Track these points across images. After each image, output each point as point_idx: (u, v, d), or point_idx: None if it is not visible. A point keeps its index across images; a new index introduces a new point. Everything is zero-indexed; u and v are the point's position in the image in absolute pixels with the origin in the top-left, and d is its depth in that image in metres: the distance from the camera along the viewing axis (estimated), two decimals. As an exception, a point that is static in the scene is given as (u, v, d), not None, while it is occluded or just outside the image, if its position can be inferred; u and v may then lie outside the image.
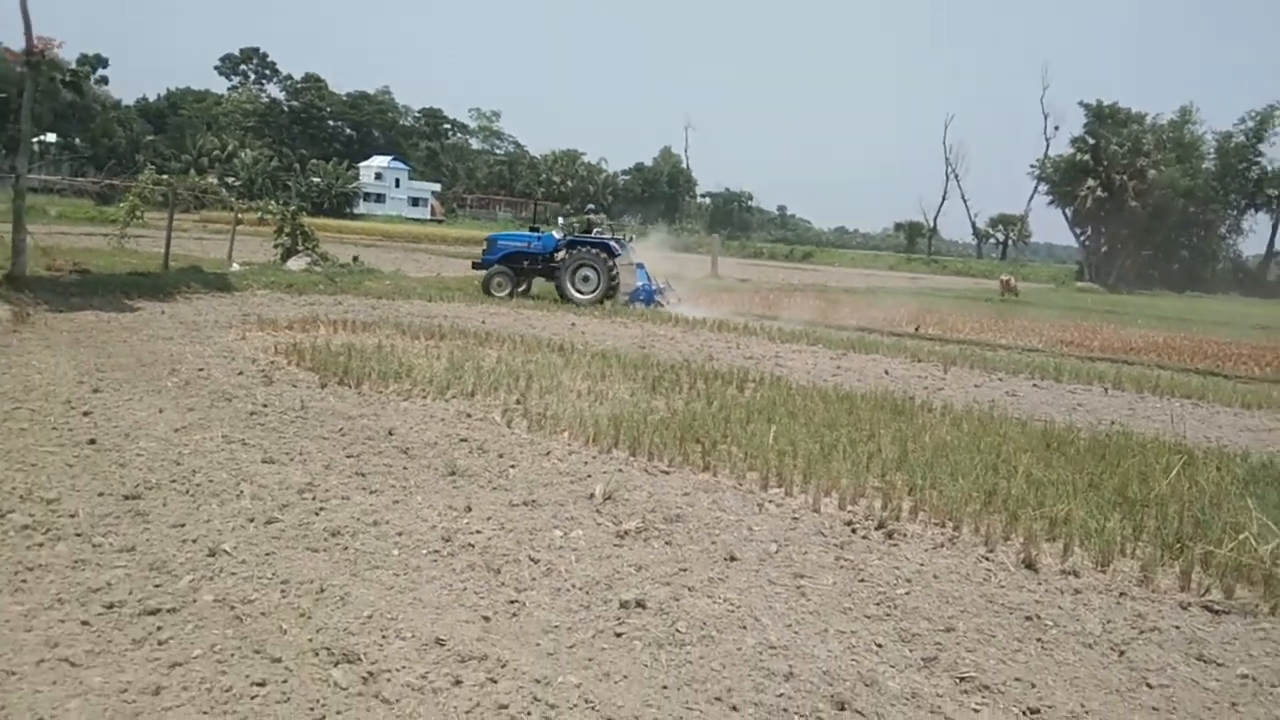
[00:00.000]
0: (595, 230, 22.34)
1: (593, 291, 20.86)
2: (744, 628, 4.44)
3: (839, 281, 43.39)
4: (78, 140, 78.77)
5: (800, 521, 6.11)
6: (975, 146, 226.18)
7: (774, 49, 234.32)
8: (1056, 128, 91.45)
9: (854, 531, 5.98)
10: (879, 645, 4.38)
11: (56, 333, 11.65)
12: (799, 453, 7.46)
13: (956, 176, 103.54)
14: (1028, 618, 4.87)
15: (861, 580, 5.17)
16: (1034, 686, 4.12)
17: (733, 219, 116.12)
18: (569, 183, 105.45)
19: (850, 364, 14.33)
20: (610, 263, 21.11)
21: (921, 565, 5.49)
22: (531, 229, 23.43)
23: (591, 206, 25.48)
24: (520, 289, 21.52)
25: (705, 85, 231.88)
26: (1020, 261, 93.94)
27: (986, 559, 5.71)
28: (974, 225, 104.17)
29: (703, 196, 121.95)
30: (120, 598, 4.25)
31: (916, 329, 20.86)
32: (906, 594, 5.04)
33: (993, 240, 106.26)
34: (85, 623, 4.00)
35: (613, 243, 21.60)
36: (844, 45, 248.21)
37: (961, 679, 4.13)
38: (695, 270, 41.49)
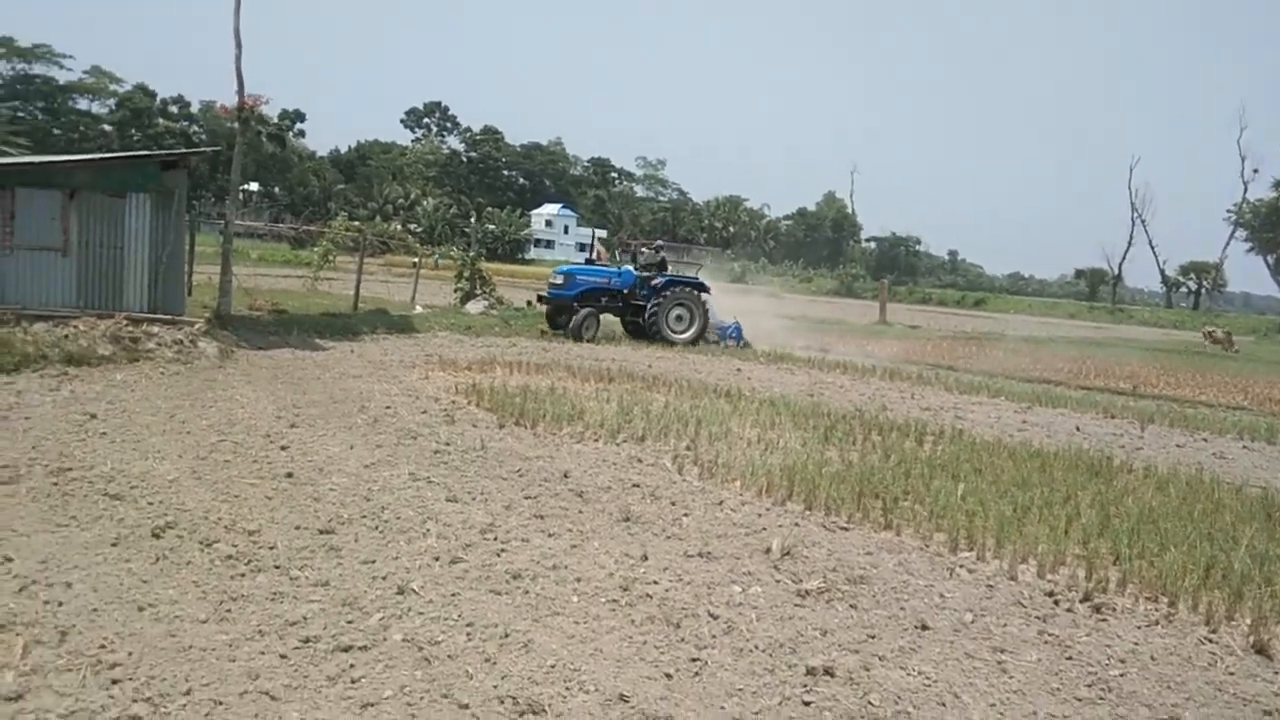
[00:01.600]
0: (671, 267, 21.42)
1: (685, 331, 20.24)
2: (943, 704, 4.13)
3: (1016, 330, 41.49)
4: (277, 189, 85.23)
5: (996, 590, 5.71)
6: (1164, 190, 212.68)
7: (945, 90, 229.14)
8: (1255, 170, 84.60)
9: (1056, 603, 5.54)
10: (1096, 734, 3.99)
11: (257, 369, 12.44)
12: (989, 514, 7.03)
13: (1143, 221, 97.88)
14: (1266, 713, 4.35)
15: (1069, 658, 4.76)
16: (1282, 795, 3.65)
17: (899, 264, 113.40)
18: (730, 228, 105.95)
19: (1037, 418, 13.54)
20: (705, 301, 20.43)
21: (1135, 644, 5.02)
22: (588, 262, 22.28)
23: (660, 242, 24.12)
24: (565, 322, 20.39)
25: (873, 128, 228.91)
26: (1215, 311, 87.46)
27: (1209, 640, 5.17)
28: (1163, 273, 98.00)
29: (867, 241, 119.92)
30: (315, 632, 4.36)
31: (1135, 389, 19.38)
32: (1121, 676, 4.59)
33: (1183, 289, 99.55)
34: (284, 656, 4.12)
35: (702, 280, 20.90)
36: (1020, 84, 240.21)
37: (1195, 780, 3.70)
38: (861, 316, 40.72)
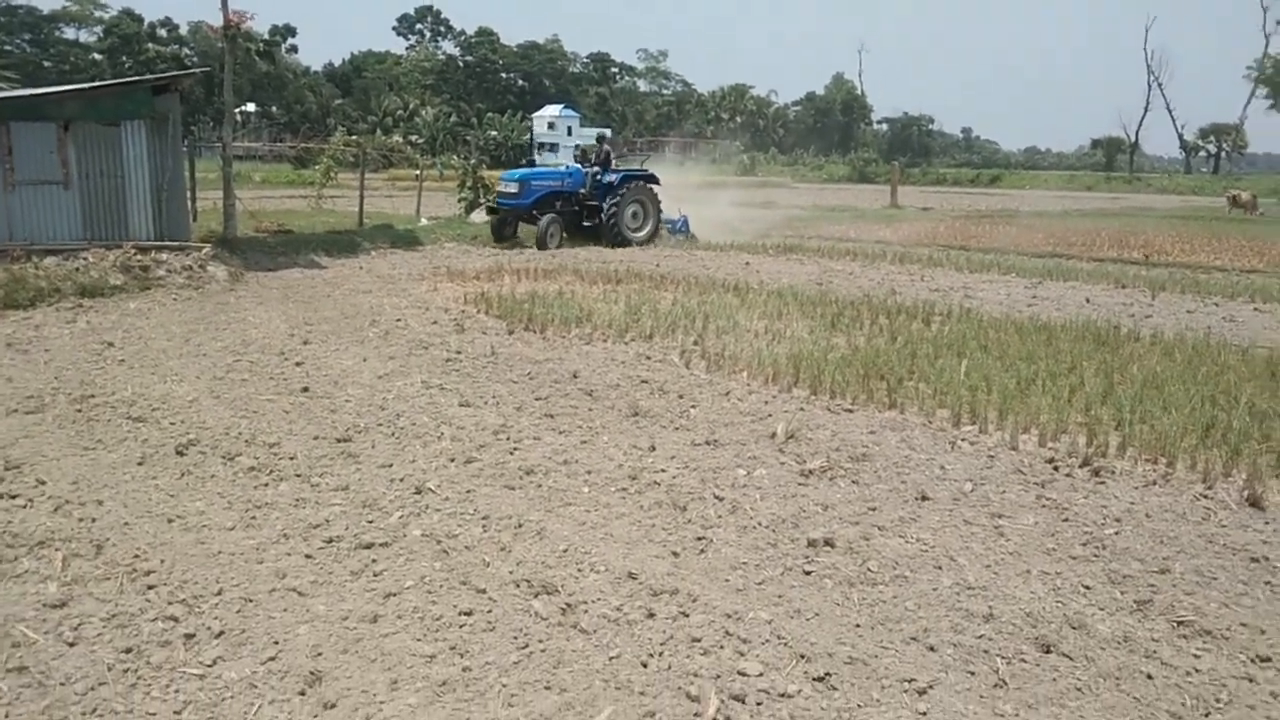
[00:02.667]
0: (614, 160, 19.99)
1: (641, 229, 19.21)
2: (939, 568, 4.31)
3: (1031, 205, 40.94)
4: (274, 108, 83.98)
5: (997, 459, 5.86)
6: (1180, 51, 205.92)
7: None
8: (1278, 22, 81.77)
9: (1056, 469, 5.69)
10: (1086, 587, 4.16)
11: (267, 289, 12.58)
12: (993, 388, 7.14)
13: (1160, 85, 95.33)
14: (1254, 559, 4.51)
15: (1065, 520, 4.92)
16: (1263, 633, 3.82)
17: (912, 145, 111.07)
18: (737, 119, 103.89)
19: (1047, 293, 13.54)
20: (656, 195, 19.44)
21: (1132, 504, 5.17)
22: (528, 163, 21.01)
23: (602, 132, 22.35)
24: (510, 234, 19.05)
25: (879, 3, 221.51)
26: (1235, 175, 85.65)
27: (1205, 497, 5.32)
28: (1181, 138, 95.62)
29: (879, 123, 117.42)
30: (338, 533, 4.57)
31: (1146, 257, 19.19)
32: (1116, 534, 4.75)
33: (1203, 153, 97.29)
34: (309, 556, 4.33)
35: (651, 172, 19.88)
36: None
37: (1179, 623, 3.88)
38: (873, 201, 40.22)
